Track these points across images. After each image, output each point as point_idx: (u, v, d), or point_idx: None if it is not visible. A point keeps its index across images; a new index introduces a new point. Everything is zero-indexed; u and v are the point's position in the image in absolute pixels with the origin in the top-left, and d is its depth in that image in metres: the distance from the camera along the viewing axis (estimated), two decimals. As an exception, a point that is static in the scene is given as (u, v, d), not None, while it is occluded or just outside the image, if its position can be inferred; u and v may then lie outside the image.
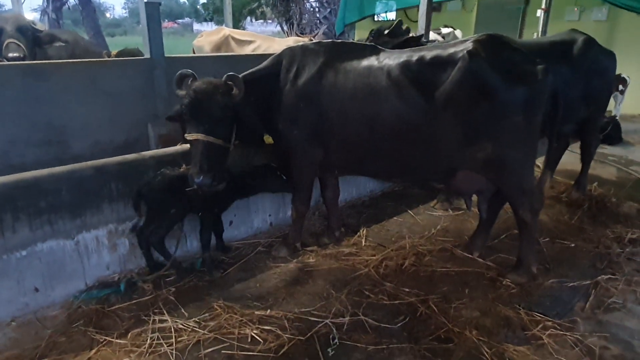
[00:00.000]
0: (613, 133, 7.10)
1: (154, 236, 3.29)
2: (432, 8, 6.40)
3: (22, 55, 4.79)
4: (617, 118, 7.61)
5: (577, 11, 9.76)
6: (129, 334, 2.74)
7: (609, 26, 9.12)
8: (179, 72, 3.16)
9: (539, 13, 8.33)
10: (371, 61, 3.25)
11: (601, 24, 9.24)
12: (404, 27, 4.68)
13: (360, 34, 13.09)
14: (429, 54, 3.11)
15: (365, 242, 3.89)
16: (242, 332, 2.76)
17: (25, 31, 5.00)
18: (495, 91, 2.92)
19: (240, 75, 3.13)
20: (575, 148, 5.20)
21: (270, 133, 3.37)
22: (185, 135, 3.06)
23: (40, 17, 13.29)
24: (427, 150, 3.17)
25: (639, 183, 5.40)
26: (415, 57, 3.12)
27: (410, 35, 4.67)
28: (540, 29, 8.31)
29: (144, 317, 2.90)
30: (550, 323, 2.86)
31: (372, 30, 4.79)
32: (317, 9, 17.39)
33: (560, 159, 5.11)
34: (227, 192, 3.45)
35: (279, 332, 2.75)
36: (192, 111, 2.99)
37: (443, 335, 2.77)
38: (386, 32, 4.59)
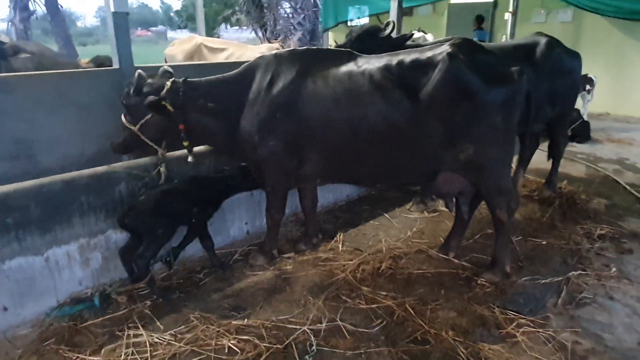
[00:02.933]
0: (582, 131, 7.31)
1: (141, 260, 3.17)
2: (404, 12, 6.50)
3: (-15, 68, 4.68)
4: (585, 117, 7.83)
5: (543, 13, 10.05)
6: (103, 350, 2.68)
7: (575, 27, 9.41)
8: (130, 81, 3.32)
9: (507, 16, 8.53)
10: (350, 67, 3.24)
11: (567, 25, 9.52)
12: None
13: (334, 39, 13.16)
14: (408, 57, 3.14)
15: (342, 247, 3.90)
16: (219, 343, 2.73)
17: (-13, 43, 4.89)
18: (476, 92, 2.98)
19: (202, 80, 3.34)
20: (544, 147, 5.33)
21: (229, 143, 3.43)
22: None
23: (7, 27, 12.98)
24: (411, 154, 3.19)
25: (607, 180, 5.56)
26: (395, 61, 3.14)
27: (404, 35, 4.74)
28: (508, 32, 8.51)
29: (118, 332, 2.84)
30: (523, 320, 2.92)
31: (350, 32, 4.80)
32: (291, 15, 17.45)
33: (531, 158, 5.23)
34: (214, 198, 3.54)
35: (257, 342, 2.72)
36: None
37: (420, 337, 2.80)
38: (385, 33, 4.62)
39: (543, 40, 4.52)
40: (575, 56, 4.73)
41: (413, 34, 4.74)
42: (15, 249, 2.89)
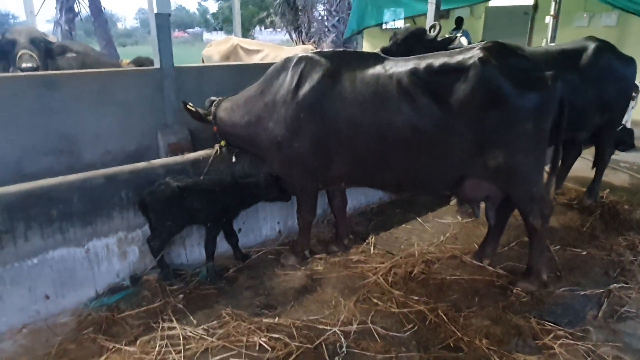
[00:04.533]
0: (625, 139, 7.03)
1: (151, 243, 3.30)
2: (440, 15, 6.43)
3: (34, 66, 4.87)
4: (629, 124, 7.53)
5: (586, 17, 9.71)
6: (138, 341, 2.75)
7: (619, 32, 9.06)
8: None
9: (548, 19, 8.30)
10: (377, 70, 3.19)
11: (611, 30, 9.18)
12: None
13: (367, 42, 13.13)
14: (436, 61, 3.06)
15: (373, 249, 3.88)
16: (250, 340, 2.76)
17: (38, 43, 5.09)
18: (507, 98, 2.89)
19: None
20: (587, 154, 5.15)
21: (258, 145, 3.53)
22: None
23: (54, 28, 13.50)
24: (438, 160, 3.12)
25: (651, 190, 5.32)
26: (423, 65, 3.06)
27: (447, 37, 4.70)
28: (549, 35, 8.28)
29: (152, 325, 2.91)
30: (561, 332, 2.82)
31: (394, 34, 4.78)
32: (325, 18, 17.53)
33: (572, 166, 5.06)
34: (234, 203, 3.52)
35: (287, 340, 2.74)
36: None
37: (452, 344, 2.75)
38: (431, 36, 4.60)
39: (592, 45, 4.33)
40: (629, 62, 4.49)
41: (457, 37, 4.66)
42: (58, 240, 3.01)
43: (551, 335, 2.80)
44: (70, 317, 3.03)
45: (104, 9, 15.43)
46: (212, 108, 3.77)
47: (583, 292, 3.27)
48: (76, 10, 14.05)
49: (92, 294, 3.21)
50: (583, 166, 5.21)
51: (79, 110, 4.40)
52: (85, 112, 4.43)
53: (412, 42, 4.51)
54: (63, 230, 3.02)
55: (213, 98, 3.88)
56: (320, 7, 17.73)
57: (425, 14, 6.50)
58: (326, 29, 17.13)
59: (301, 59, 3.37)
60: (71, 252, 3.08)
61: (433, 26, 4.71)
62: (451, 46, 4.50)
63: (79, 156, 4.46)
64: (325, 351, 2.69)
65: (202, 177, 3.52)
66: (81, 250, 3.12)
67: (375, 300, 3.17)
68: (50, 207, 2.95)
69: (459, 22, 10.57)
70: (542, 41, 8.43)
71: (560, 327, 2.87)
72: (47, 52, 5.22)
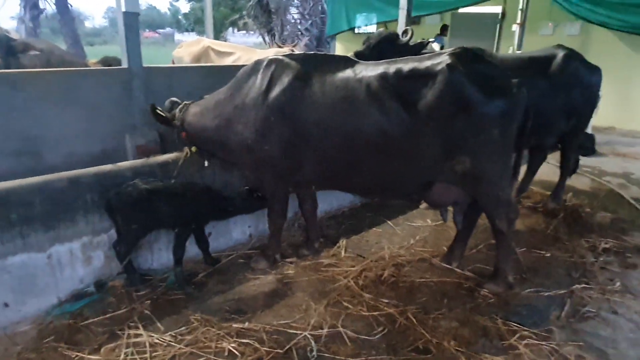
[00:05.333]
0: (587, 144, 7.28)
1: (117, 248, 3.22)
2: (412, 21, 6.52)
3: (-6, 64, 4.71)
4: (589, 129, 7.80)
5: (551, 26, 10.06)
6: (102, 350, 2.67)
7: (582, 40, 9.40)
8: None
9: (515, 27, 8.54)
10: (347, 73, 3.19)
11: (574, 38, 9.52)
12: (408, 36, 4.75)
13: (341, 45, 13.22)
14: (405, 66, 3.08)
15: (344, 253, 3.89)
16: (219, 345, 2.71)
17: (-2, 40, 4.92)
18: (474, 104, 2.93)
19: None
20: (551, 159, 5.31)
21: (227, 149, 3.48)
22: None
23: (17, 25, 13.07)
24: (406, 164, 3.14)
25: (612, 193, 5.53)
26: (392, 70, 3.08)
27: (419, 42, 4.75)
28: (516, 43, 8.52)
29: (118, 332, 2.83)
30: (526, 332, 2.89)
31: (368, 38, 4.81)
32: (298, 21, 17.54)
33: (538, 170, 5.21)
34: (205, 210, 3.48)
35: (257, 345, 2.71)
36: None
37: (422, 346, 2.78)
38: (403, 41, 4.63)
39: (561, 54, 4.46)
40: (595, 70, 4.63)
41: (430, 42, 4.74)
42: (19, 245, 2.90)
43: (517, 335, 2.86)
44: (31, 326, 2.91)
45: (71, 6, 15.04)
46: (178, 113, 3.67)
47: (547, 293, 3.35)
48: (41, 7, 13.65)
49: (54, 301, 3.09)
50: (548, 170, 5.36)
51: (43, 111, 4.25)
52: (49, 112, 4.29)
53: (385, 46, 4.55)
54: (23, 235, 2.91)
55: (175, 99, 3.79)
56: (294, 10, 17.74)
57: (397, 20, 6.58)
58: (299, 32, 17.14)
59: (271, 61, 3.35)
60: (32, 258, 2.96)
61: (405, 31, 4.77)
62: (424, 51, 4.58)
63: (41, 158, 4.31)
64: (296, 356, 2.67)
65: (172, 180, 3.47)
66: (43, 255, 3.00)
67: (346, 304, 3.18)
68: (9, 211, 2.83)
69: (444, 29, 10.74)
70: (509, 48, 8.66)
71: (525, 328, 2.93)
72: (8, 49, 5.04)
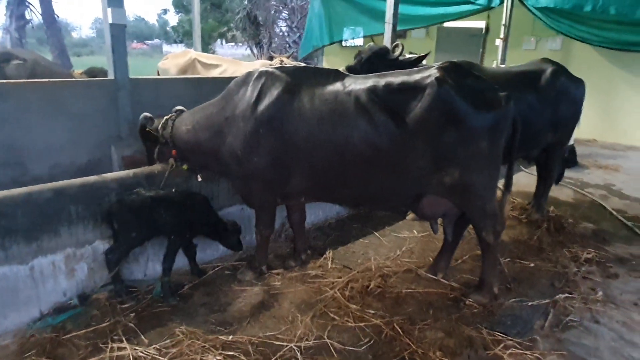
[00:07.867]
0: (569, 156, 7.41)
1: (110, 254, 3.21)
2: (397, 35, 6.61)
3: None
4: (572, 142, 7.94)
5: (533, 41, 10.29)
6: (85, 363, 2.64)
7: (563, 55, 9.61)
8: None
9: (498, 42, 8.71)
10: (337, 86, 3.22)
11: (556, 53, 9.73)
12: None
13: (328, 59, 13.33)
14: (395, 79, 3.12)
15: (331, 264, 3.89)
16: (204, 358, 2.68)
17: (-19, 49, 4.88)
18: (463, 117, 2.98)
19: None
20: (533, 170, 5.39)
21: (217, 161, 3.47)
22: None
23: (3, 36, 12.97)
24: (395, 177, 3.17)
25: (593, 204, 5.63)
26: (381, 83, 3.12)
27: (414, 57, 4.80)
28: (499, 57, 8.67)
29: (101, 345, 2.79)
30: (511, 342, 2.92)
31: (359, 53, 4.85)
32: (286, 34, 17.69)
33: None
34: (203, 221, 3.54)
35: (243, 358, 2.69)
36: None
37: (407, 357, 2.78)
38: (394, 55, 4.68)
39: (549, 68, 4.57)
40: (580, 84, 4.75)
41: (422, 56, 4.79)
42: (0, 257, 2.85)
43: (501, 345, 2.88)
44: (12, 339, 2.86)
45: (58, 17, 14.96)
46: (161, 129, 3.58)
47: (531, 303, 3.39)
48: (28, 17, 13.57)
49: (36, 314, 3.05)
50: (531, 182, 5.44)
51: (27, 121, 4.22)
52: (33, 122, 4.25)
53: (376, 61, 4.61)
54: (5, 247, 2.87)
55: (148, 115, 3.66)
56: (282, 23, 17.91)
57: (383, 33, 6.67)
58: (287, 45, 17.28)
59: (262, 73, 3.38)
60: (14, 270, 2.92)
61: (396, 45, 4.84)
62: (419, 65, 4.63)
63: (26, 169, 4.27)
64: (282, 368, 2.66)
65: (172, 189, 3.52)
66: (25, 267, 2.96)
67: (332, 315, 3.18)
68: (-9, 223, 2.80)
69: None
70: (493, 62, 8.81)
71: (509, 337, 2.96)
72: (-10, 59, 5.01)
